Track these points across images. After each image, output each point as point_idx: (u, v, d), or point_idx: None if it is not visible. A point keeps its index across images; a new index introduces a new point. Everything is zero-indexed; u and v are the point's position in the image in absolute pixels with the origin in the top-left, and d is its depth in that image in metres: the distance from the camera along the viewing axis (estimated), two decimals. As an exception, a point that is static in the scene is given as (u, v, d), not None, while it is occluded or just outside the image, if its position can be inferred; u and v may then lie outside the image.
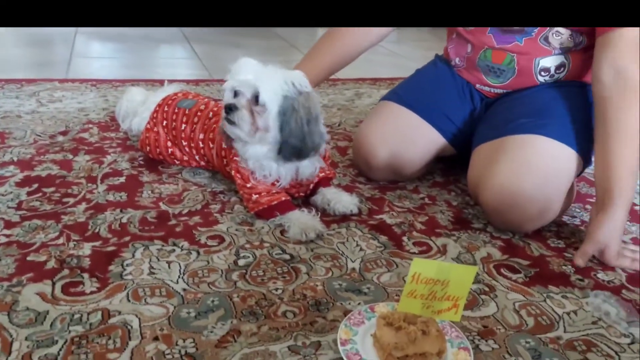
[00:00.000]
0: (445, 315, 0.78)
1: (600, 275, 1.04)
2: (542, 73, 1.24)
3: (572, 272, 1.05)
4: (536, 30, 1.19)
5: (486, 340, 0.84)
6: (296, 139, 1.08)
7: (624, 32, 1.06)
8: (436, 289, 0.76)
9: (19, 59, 2.41)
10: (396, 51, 3.11)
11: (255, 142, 1.10)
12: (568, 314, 0.92)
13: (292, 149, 1.08)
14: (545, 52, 1.22)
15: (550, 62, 1.23)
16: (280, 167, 1.14)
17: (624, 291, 1.00)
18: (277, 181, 1.16)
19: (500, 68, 1.26)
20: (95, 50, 2.69)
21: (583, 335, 0.87)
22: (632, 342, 0.86)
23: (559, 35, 1.18)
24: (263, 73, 1.07)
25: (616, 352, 0.84)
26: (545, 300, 0.95)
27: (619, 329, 0.89)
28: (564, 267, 1.07)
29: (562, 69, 1.24)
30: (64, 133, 1.56)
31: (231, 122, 1.08)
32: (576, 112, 1.18)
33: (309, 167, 1.17)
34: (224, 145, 1.18)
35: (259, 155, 1.12)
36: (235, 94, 1.10)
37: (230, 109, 1.07)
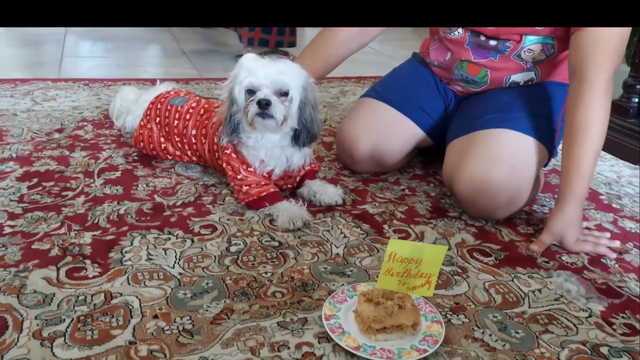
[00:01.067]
0: (419, 291, 0.86)
1: (565, 258, 1.13)
2: (512, 85, 1.34)
3: (539, 255, 1.14)
4: (510, 48, 1.27)
5: (457, 315, 0.93)
6: (310, 125, 1.19)
7: (587, 32, 1.13)
8: (410, 267, 0.84)
9: (11, 59, 2.45)
10: (380, 50, 3.19)
11: (277, 132, 1.18)
12: (533, 291, 1.01)
13: (309, 134, 1.19)
14: (518, 67, 1.30)
15: (520, 77, 1.33)
16: (282, 156, 1.22)
17: (585, 272, 1.09)
18: (272, 171, 1.23)
19: (474, 80, 1.35)
20: (86, 50, 2.74)
21: (546, 310, 0.96)
22: (590, 316, 0.95)
23: (531, 52, 1.27)
24: (283, 67, 1.15)
25: (574, 325, 0.93)
26: (512, 280, 1.04)
27: (579, 304, 0.98)
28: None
29: (530, 82, 1.34)
30: (59, 130, 1.62)
31: (268, 116, 1.13)
32: (538, 107, 1.27)
33: (300, 158, 1.25)
34: (222, 143, 1.24)
35: (274, 144, 1.20)
36: (251, 90, 1.15)
37: (266, 104, 1.12)
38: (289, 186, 1.31)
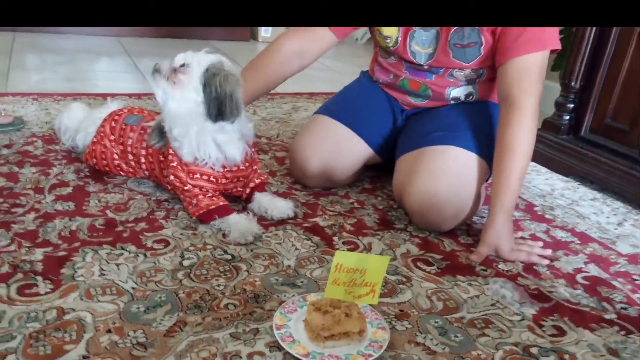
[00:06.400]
0: (365, 299, 0.91)
1: (501, 266, 1.21)
2: (453, 100, 1.44)
3: (477, 263, 1.21)
4: (442, 69, 1.38)
5: (401, 322, 0.98)
6: (223, 97, 1.18)
7: (511, 64, 1.25)
8: (356, 277, 0.89)
9: (-47, 72, 2.38)
10: (331, 67, 3.27)
11: (175, 95, 1.20)
12: (472, 298, 1.08)
13: (217, 106, 1.19)
14: (453, 84, 1.41)
15: (459, 92, 1.43)
16: (202, 143, 1.23)
17: (519, 278, 1.17)
18: (205, 161, 1.24)
19: (417, 93, 1.45)
20: (33, 63, 2.68)
21: (483, 315, 1.03)
22: (522, 319, 1.03)
23: (462, 71, 1.37)
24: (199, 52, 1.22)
25: (509, 328, 1.00)
26: (453, 287, 1.11)
27: (513, 309, 1.06)
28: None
29: (470, 97, 1.44)
30: (7, 146, 1.59)
31: (155, 70, 1.22)
32: (481, 125, 1.36)
33: (238, 149, 1.25)
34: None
35: (178, 112, 1.21)
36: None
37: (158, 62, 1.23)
38: (239, 189, 1.33)
